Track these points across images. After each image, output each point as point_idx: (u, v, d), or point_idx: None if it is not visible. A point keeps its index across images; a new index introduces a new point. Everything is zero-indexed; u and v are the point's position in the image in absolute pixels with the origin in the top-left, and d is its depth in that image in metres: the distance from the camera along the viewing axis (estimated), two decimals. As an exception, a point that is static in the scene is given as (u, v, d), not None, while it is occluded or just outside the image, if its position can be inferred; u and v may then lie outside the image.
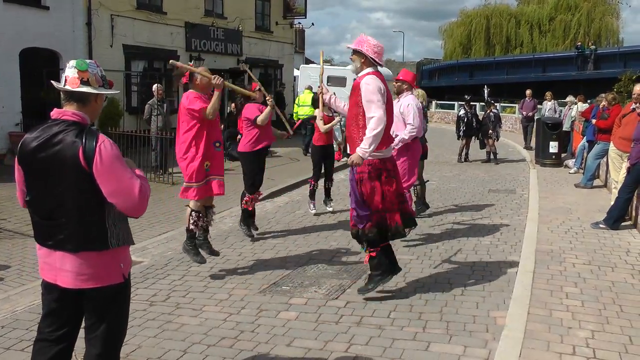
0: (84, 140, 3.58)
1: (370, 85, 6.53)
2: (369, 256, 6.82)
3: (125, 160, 3.79)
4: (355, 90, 6.68)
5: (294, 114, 22.20)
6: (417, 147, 9.27)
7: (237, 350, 5.54)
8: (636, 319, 6.13)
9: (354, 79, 6.90)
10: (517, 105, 34.68)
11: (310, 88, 21.92)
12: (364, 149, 6.42)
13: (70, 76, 3.74)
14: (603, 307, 6.46)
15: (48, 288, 3.86)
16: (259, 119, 9.12)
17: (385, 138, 6.60)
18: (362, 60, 6.71)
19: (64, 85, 3.75)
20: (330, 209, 11.65)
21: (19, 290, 7.31)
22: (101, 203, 3.66)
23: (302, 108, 21.65)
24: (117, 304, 3.86)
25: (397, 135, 8.68)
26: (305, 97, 21.82)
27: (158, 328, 6.06)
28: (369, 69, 6.70)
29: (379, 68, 6.80)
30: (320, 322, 6.19)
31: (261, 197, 10.05)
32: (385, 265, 6.84)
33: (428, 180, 12.31)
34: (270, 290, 7.19)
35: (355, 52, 6.72)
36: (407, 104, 8.96)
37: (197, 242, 7.73)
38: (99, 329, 3.81)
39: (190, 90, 7.51)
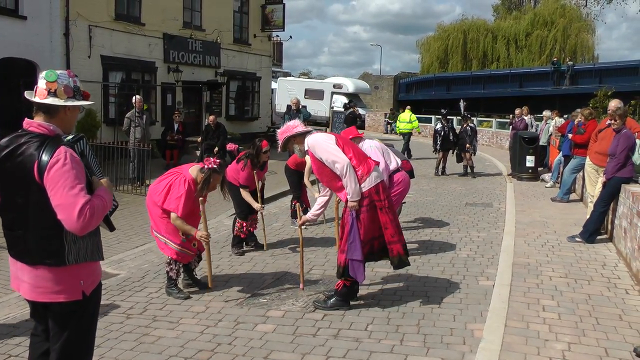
0: (40, 153, 3.55)
1: (315, 144, 6.84)
2: (343, 284, 6.91)
3: (98, 180, 3.82)
4: (311, 157, 6.99)
5: (397, 129, 26.74)
6: (403, 181, 9.27)
7: (214, 363, 5.51)
8: (612, 331, 6.18)
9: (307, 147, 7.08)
10: (494, 120, 34.95)
11: (410, 108, 26.67)
12: (352, 196, 6.66)
13: (39, 87, 3.75)
14: (579, 319, 6.50)
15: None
16: (242, 191, 9.27)
17: (361, 169, 6.75)
18: (296, 140, 7.14)
19: (34, 97, 3.76)
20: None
21: (-7, 302, 7.23)
22: (58, 219, 3.58)
23: (402, 124, 25.73)
24: (76, 320, 3.83)
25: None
26: (405, 115, 25.91)
27: (135, 341, 6.01)
28: (306, 137, 7.03)
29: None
30: (298, 334, 6.17)
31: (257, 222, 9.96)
32: (351, 295, 7.03)
33: (405, 202, 12.32)
34: (247, 302, 7.16)
35: (288, 141, 7.17)
36: (369, 146, 9.03)
37: (185, 284, 7.66)
38: (58, 342, 3.82)
39: (193, 178, 7.23)
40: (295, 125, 7.17)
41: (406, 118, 25.79)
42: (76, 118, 3.96)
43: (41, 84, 3.75)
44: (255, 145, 9.36)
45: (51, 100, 3.72)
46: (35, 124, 3.70)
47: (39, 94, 3.74)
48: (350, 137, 8.92)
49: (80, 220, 3.47)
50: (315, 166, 6.95)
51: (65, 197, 3.49)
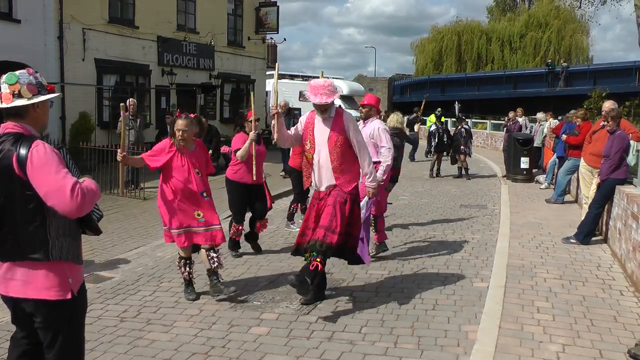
0: (17, 148, 3.57)
1: (354, 121, 6.81)
2: (316, 264, 6.63)
3: (83, 177, 3.81)
4: (339, 119, 6.79)
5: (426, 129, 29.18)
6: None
7: (208, 366, 5.50)
8: (607, 332, 6.18)
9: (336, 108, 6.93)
10: (488, 121, 34.97)
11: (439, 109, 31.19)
12: (375, 181, 6.81)
13: (3, 92, 3.73)
14: (574, 321, 6.50)
15: (4, 299, 3.90)
16: (238, 154, 8.88)
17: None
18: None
19: (1, 103, 3.74)
20: None
21: (-14, 306, 7.18)
22: (42, 212, 3.63)
23: (429, 123, 28.36)
24: (67, 325, 3.84)
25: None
26: (431, 117, 29.37)
27: (129, 344, 5.98)
28: (344, 109, 7.00)
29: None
30: (292, 337, 6.16)
31: (267, 223, 9.97)
32: (319, 278, 6.99)
33: (391, 202, 12.33)
34: (241, 305, 7.14)
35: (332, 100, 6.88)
36: (377, 127, 8.81)
37: (212, 284, 7.41)
38: (54, 349, 3.82)
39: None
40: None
41: (433, 119, 28.19)
42: (48, 113, 3.96)
43: (4, 88, 3.73)
44: (240, 117, 9.31)
45: (18, 102, 3.71)
46: (10, 125, 3.72)
47: (5, 99, 3.72)
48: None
49: (74, 199, 3.47)
50: (335, 132, 6.75)
51: (53, 182, 3.50)
